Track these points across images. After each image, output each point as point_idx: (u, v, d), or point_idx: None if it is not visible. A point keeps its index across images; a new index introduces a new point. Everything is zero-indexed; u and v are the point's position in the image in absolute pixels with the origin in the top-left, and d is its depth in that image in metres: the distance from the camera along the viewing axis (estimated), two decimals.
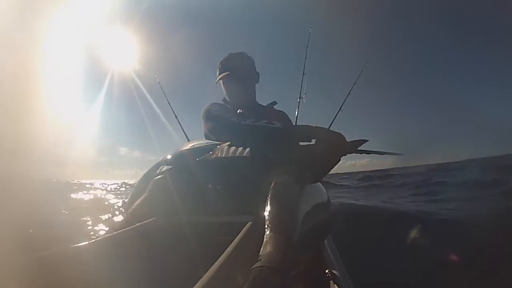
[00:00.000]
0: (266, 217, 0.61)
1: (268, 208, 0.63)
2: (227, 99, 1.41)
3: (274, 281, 0.45)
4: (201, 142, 1.20)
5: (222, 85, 1.39)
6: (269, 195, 0.67)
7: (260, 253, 0.51)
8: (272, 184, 0.70)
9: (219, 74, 1.37)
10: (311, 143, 0.95)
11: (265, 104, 1.50)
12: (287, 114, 1.54)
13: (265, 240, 0.55)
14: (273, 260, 0.48)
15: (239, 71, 1.35)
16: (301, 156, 0.90)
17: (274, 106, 1.53)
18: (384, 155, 1.03)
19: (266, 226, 0.58)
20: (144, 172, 1.19)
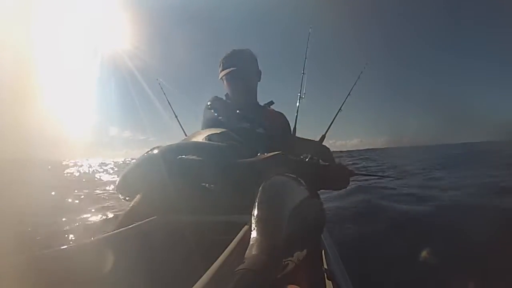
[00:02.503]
0: (253, 220, 0.61)
1: (255, 210, 0.63)
2: (229, 95, 1.39)
3: (256, 284, 0.45)
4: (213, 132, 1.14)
5: (224, 82, 1.37)
6: (257, 197, 0.67)
7: (245, 256, 0.51)
8: (261, 186, 0.70)
9: (222, 70, 1.34)
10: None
11: (262, 104, 1.48)
12: (285, 115, 1.54)
13: (251, 242, 0.55)
14: (257, 263, 0.48)
15: (242, 69, 1.32)
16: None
17: (272, 106, 1.52)
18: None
19: (252, 229, 0.58)
20: (141, 156, 1.10)
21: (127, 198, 1.07)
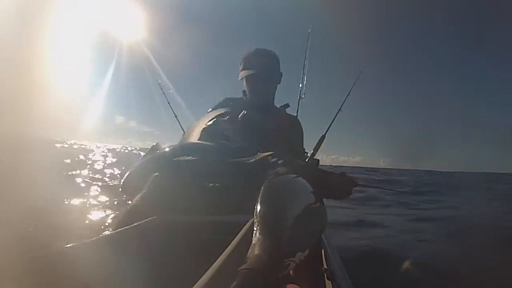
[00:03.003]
0: (255, 219, 0.61)
1: (257, 209, 0.63)
2: (247, 93, 1.38)
3: (258, 284, 0.45)
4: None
5: (244, 82, 1.36)
6: (259, 196, 0.67)
7: (247, 255, 0.51)
8: (263, 185, 0.70)
9: (243, 69, 1.33)
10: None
11: (278, 106, 1.48)
12: (298, 119, 1.53)
13: (253, 242, 0.55)
14: (259, 263, 0.48)
15: (263, 71, 1.30)
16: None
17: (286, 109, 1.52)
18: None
19: (254, 228, 0.58)
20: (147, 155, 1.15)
21: (131, 196, 1.08)
